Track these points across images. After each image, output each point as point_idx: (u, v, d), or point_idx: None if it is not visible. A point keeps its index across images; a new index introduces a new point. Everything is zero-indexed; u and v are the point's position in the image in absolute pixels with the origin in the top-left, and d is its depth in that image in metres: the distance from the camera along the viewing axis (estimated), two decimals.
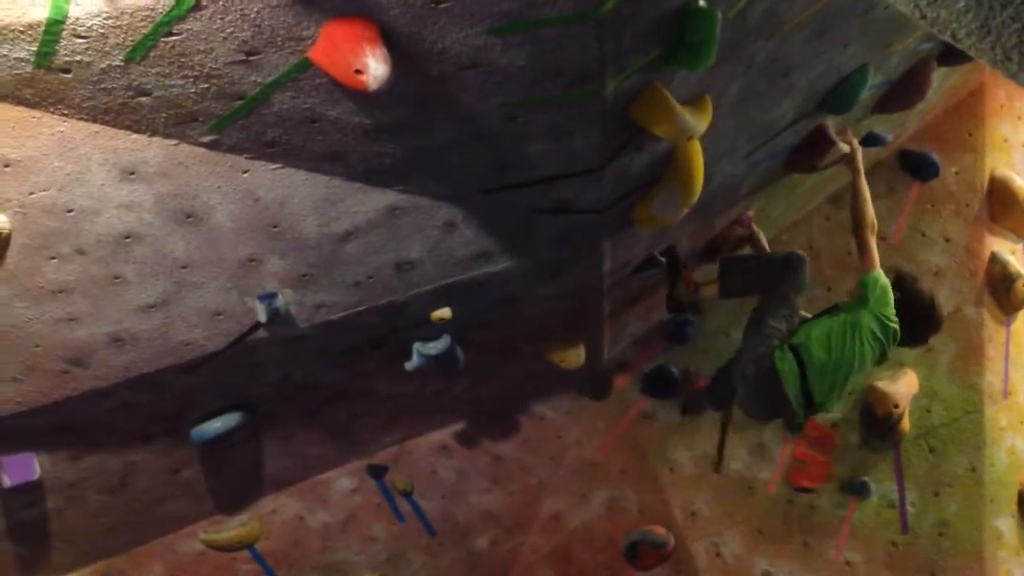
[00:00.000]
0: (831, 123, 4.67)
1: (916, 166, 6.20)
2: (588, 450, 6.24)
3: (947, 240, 6.27)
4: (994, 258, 6.24)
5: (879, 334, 4.34)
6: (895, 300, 4.38)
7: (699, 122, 3.36)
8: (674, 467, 6.19)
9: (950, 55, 4.81)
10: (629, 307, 5.28)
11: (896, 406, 5.94)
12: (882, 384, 6.02)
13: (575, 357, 4.99)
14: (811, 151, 4.72)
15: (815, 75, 4.03)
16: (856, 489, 6.06)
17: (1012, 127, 6.43)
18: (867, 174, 6.03)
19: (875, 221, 4.50)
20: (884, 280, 4.38)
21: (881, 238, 6.12)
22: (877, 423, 6.02)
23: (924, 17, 1.14)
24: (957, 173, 6.28)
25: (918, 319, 4.45)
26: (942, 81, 5.16)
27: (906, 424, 6.04)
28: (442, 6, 2.47)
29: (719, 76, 3.39)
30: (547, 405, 6.11)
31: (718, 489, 6.18)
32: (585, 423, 6.21)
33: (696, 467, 6.17)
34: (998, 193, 6.27)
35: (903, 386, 6.00)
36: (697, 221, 4.60)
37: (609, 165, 3.34)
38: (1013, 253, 6.39)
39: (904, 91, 4.85)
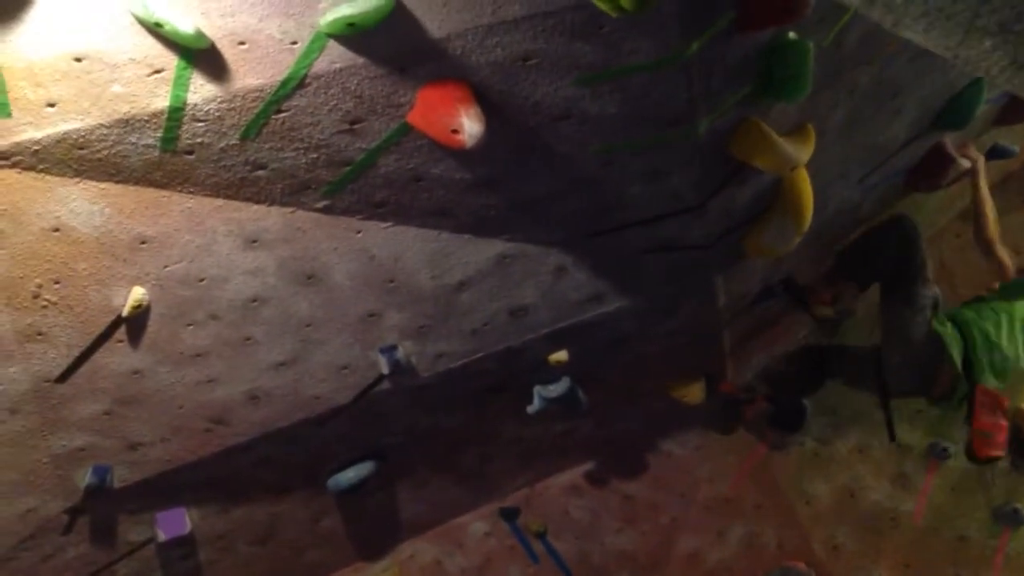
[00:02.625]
0: (950, 139, 4.54)
1: None
2: (720, 486, 6.13)
3: None
4: None
5: None
6: None
7: (802, 152, 3.35)
8: (811, 500, 6.02)
9: None
10: (751, 339, 5.22)
11: None
12: None
13: (697, 392, 4.96)
14: (932, 169, 4.60)
15: (925, 94, 3.95)
16: (1009, 517, 5.75)
17: None
18: (999, 187, 5.83)
19: (996, 233, 4.36)
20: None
21: (1016, 252, 5.90)
22: None
23: (957, 57, 1.15)
24: None
25: None
26: None
27: None
28: (530, 63, 2.57)
29: (820, 104, 3.38)
30: (675, 442, 6.05)
31: (860, 522, 5.97)
32: (715, 459, 6.11)
33: (834, 499, 5.99)
34: None
35: None
36: (816, 247, 4.53)
37: (711, 201, 3.36)
38: None
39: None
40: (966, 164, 4.59)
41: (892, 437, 4.93)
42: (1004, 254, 4.37)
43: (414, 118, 2.71)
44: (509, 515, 5.78)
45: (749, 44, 2.77)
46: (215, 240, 3.10)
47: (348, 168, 2.92)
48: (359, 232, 3.24)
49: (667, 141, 2.95)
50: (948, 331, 4.26)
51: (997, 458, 5.01)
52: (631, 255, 3.67)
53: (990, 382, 4.33)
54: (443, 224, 3.28)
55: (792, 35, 2.88)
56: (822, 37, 3.01)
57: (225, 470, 4.16)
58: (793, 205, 3.65)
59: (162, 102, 2.56)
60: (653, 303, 4.02)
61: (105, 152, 2.69)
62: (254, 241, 3.14)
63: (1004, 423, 4.35)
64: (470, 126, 2.62)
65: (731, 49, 2.73)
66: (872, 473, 5.94)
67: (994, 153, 5.17)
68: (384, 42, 2.53)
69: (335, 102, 2.65)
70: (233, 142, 2.74)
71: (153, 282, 3.17)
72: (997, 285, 4.55)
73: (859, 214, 4.70)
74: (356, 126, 2.74)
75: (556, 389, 4.39)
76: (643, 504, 6.06)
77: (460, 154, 2.85)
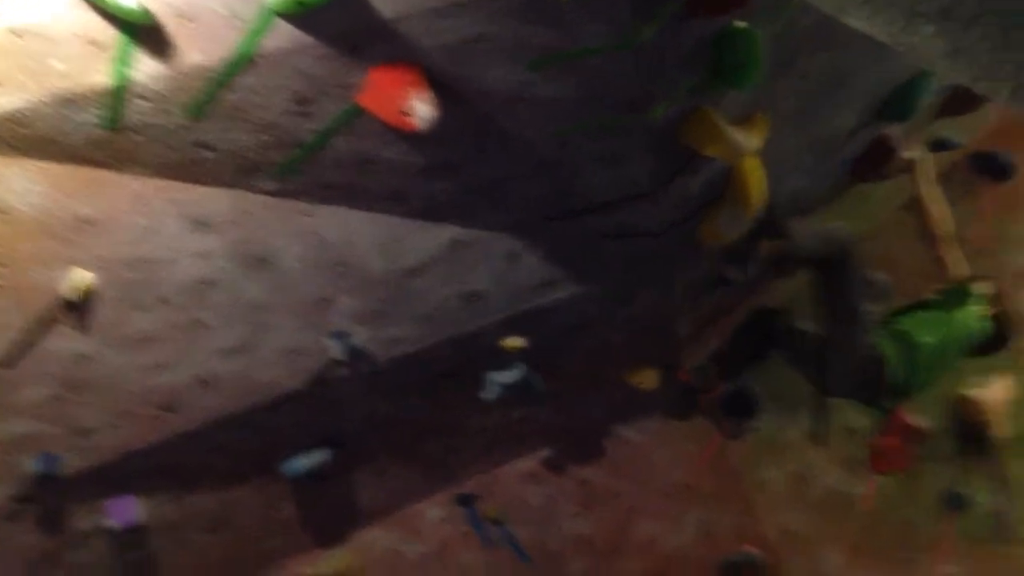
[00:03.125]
0: (894, 130, 4.58)
1: (989, 168, 6.00)
2: (678, 472, 6.16)
3: None
4: None
5: (974, 327, 4.29)
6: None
7: (752, 140, 3.36)
8: (765, 486, 6.07)
9: None
10: (708, 326, 5.24)
11: (987, 414, 5.74)
12: (973, 392, 5.83)
13: (651, 377, 4.98)
14: (875, 160, 4.63)
15: (873, 83, 3.97)
16: (954, 501, 5.84)
17: None
18: (943, 179, 5.88)
19: (950, 228, 4.38)
20: (971, 292, 4.32)
21: (962, 242, 5.97)
22: (971, 431, 5.82)
23: (899, 44, 1.15)
24: None
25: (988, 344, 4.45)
26: None
27: (1002, 431, 5.82)
28: (481, 45, 2.55)
29: (774, 91, 3.38)
30: (633, 428, 6.07)
31: (812, 507, 6.03)
32: (673, 445, 6.14)
33: (788, 485, 6.04)
34: None
35: (996, 392, 5.79)
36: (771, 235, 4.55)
37: (665, 188, 3.35)
38: None
39: (967, 93, 4.72)
40: (908, 155, 4.62)
41: (819, 438, 4.96)
42: (948, 253, 4.37)
43: (365, 100, 2.68)
44: (466, 501, 5.76)
45: (701, 31, 2.76)
46: (162, 222, 3.05)
47: (298, 150, 2.88)
48: (310, 215, 3.20)
49: (624, 124, 2.93)
50: (892, 351, 4.27)
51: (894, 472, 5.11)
52: (585, 241, 3.67)
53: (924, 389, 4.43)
54: (395, 208, 3.25)
55: (741, 23, 2.87)
56: (773, 24, 3.00)
57: (176, 457, 4.11)
58: (744, 193, 3.66)
59: (105, 79, 2.50)
60: (608, 289, 4.02)
61: (45, 130, 2.63)
62: (202, 223, 3.10)
63: (905, 446, 4.45)
64: (422, 109, 2.59)
65: (684, 36, 2.73)
66: (824, 458, 6.00)
67: (939, 145, 5.23)
68: (334, 22, 2.49)
69: (285, 82, 2.61)
70: (180, 121, 2.69)
71: (99, 264, 3.11)
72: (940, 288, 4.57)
73: (809, 204, 4.72)
74: (306, 107, 2.70)
75: (510, 375, 4.38)
76: (600, 490, 6.08)
77: (412, 137, 2.82)
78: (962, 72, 1.13)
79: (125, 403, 3.67)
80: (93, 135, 2.67)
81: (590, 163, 3.15)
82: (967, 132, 5.39)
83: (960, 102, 4.73)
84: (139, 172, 2.87)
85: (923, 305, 4.41)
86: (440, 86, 2.65)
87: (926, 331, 4.24)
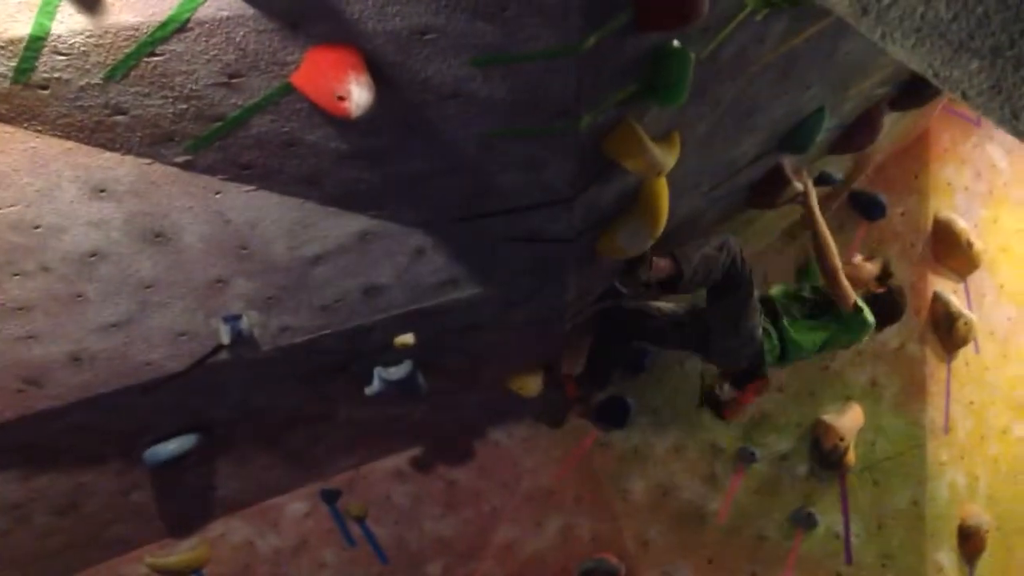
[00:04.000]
0: (788, 162, 4.79)
1: (864, 206, 6.40)
2: (543, 478, 6.25)
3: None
4: (937, 297, 6.44)
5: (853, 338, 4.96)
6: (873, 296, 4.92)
7: (668, 158, 3.43)
8: (627, 496, 6.23)
9: (901, 100, 4.97)
10: (587, 336, 5.32)
11: (842, 439, 6.08)
12: (829, 417, 6.17)
13: (533, 385, 5.02)
14: (769, 188, 4.83)
15: (777, 116, 4.14)
16: (803, 520, 6.17)
17: (955, 171, 6.66)
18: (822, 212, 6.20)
19: (835, 253, 4.68)
20: (864, 317, 4.79)
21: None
22: (824, 455, 6.15)
23: (937, 76, 1.19)
24: (903, 214, 6.48)
25: (885, 317, 5.02)
26: (892, 125, 5.32)
27: (852, 457, 6.17)
28: (427, 37, 2.50)
29: (689, 114, 3.47)
30: (503, 432, 6.12)
31: (670, 518, 6.24)
32: (541, 451, 6.22)
33: (649, 496, 6.23)
34: (941, 234, 6.49)
35: (849, 420, 6.14)
36: (658, 252, 4.65)
37: (580, 196, 3.38)
38: (955, 292, 6.59)
39: (857, 133, 5.00)
40: (799, 187, 4.86)
41: (704, 402, 5.26)
42: (839, 278, 4.68)
43: (299, 79, 2.57)
44: (330, 497, 5.67)
45: (640, 45, 2.79)
46: (58, 186, 2.84)
47: (218, 124, 2.74)
48: (218, 193, 3.06)
49: (550, 132, 2.94)
50: (772, 350, 4.79)
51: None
52: (492, 243, 3.66)
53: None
54: (309, 193, 3.15)
55: (676, 43, 2.93)
56: (702, 49, 3.08)
57: (33, 435, 3.85)
58: (651, 209, 3.74)
59: (23, 29, 2.30)
60: (506, 293, 4.02)
61: None
62: (102, 191, 2.91)
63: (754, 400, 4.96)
64: (359, 94, 2.51)
65: (624, 48, 2.75)
66: (686, 472, 6.21)
67: (821, 179, 5.51)
68: None
69: (216, 52, 2.47)
70: (95, 81, 2.51)
71: None
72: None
73: (701, 225, 4.87)
74: (234, 80, 2.57)
75: (397, 372, 4.33)
76: (466, 492, 6.09)
77: (341, 122, 2.73)
78: (995, 111, 1.17)
79: None
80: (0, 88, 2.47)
81: (511, 166, 3.14)
82: (845, 170, 5.70)
83: (850, 141, 4.98)
84: (42, 130, 2.67)
85: (813, 307, 4.78)
86: (378, 73, 2.58)
87: (808, 338, 4.63)
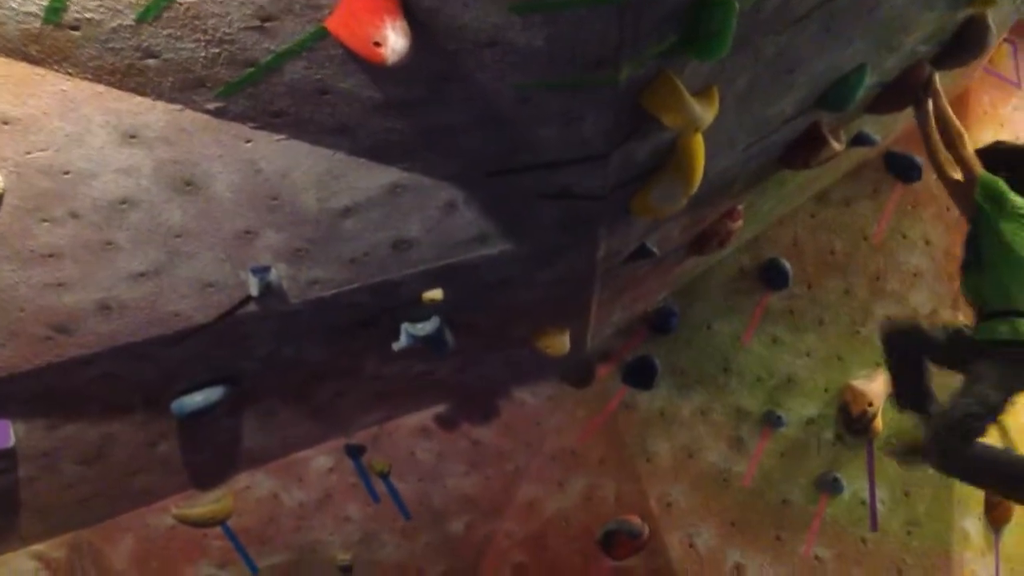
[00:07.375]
0: (825, 121, 4.68)
1: (901, 168, 6.26)
2: (567, 438, 6.23)
3: (927, 243, 6.34)
4: None
5: None
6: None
7: (707, 113, 3.34)
8: (652, 458, 6.20)
9: (944, 58, 4.84)
10: (616, 296, 5.28)
11: (871, 404, 6.01)
12: (858, 383, 6.10)
13: (561, 344, 4.97)
14: (806, 148, 4.73)
15: (817, 72, 4.03)
16: (829, 485, 6.12)
17: (994, 133, 6.50)
18: (852, 174, 6.09)
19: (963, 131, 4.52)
20: (992, 180, 4.38)
21: (863, 238, 6.21)
22: (852, 420, 6.09)
23: None
24: None
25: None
26: None
27: (880, 423, 6.11)
28: None
29: (728, 68, 3.37)
30: (528, 391, 6.10)
31: (694, 481, 6.21)
32: (566, 411, 6.20)
33: (673, 458, 6.20)
34: None
35: (878, 385, 6.06)
36: (692, 213, 4.59)
37: (615, 152, 3.31)
38: None
39: (898, 93, 4.87)
40: (837, 147, 4.75)
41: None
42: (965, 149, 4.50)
43: (333, 24, 2.51)
44: (355, 452, 5.68)
45: None
46: (89, 130, 2.81)
47: (251, 69, 2.69)
48: (249, 141, 3.01)
49: (588, 84, 2.86)
50: None
51: None
52: (524, 199, 3.60)
53: None
54: (340, 144, 3.10)
55: None
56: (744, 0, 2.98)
57: (61, 383, 3.85)
58: (686, 167, 3.65)
59: None
60: (537, 249, 3.97)
61: None
62: (132, 137, 2.87)
63: None
64: (395, 40, 2.44)
65: None
66: (711, 435, 6.18)
67: (859, 140, 5.39)
68: None
69: None
70: (127, 23, 2.46)
71: (11, 168, 2.85)
72: None
73: (734, 185, 4.78)
74: (268, 24, 2.51)
75: (425, 328, 4.30)
76: (490, 450, 6.09)
77: (375, 70, 2.66)
78: None
79: (15, 321, 3.41)
80: (30, 28, 2.42)
81: (547, 120, 3.07)
82: (885, 131, 5.57)
83: (890, 101, 4.85)
84: (72, 73, 2.63)
85: None
86: (413, 18, 2.51)
87: None
